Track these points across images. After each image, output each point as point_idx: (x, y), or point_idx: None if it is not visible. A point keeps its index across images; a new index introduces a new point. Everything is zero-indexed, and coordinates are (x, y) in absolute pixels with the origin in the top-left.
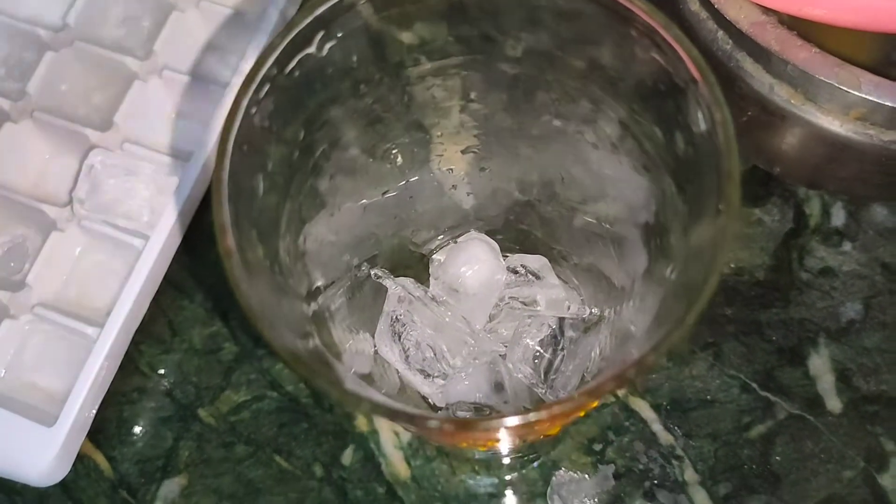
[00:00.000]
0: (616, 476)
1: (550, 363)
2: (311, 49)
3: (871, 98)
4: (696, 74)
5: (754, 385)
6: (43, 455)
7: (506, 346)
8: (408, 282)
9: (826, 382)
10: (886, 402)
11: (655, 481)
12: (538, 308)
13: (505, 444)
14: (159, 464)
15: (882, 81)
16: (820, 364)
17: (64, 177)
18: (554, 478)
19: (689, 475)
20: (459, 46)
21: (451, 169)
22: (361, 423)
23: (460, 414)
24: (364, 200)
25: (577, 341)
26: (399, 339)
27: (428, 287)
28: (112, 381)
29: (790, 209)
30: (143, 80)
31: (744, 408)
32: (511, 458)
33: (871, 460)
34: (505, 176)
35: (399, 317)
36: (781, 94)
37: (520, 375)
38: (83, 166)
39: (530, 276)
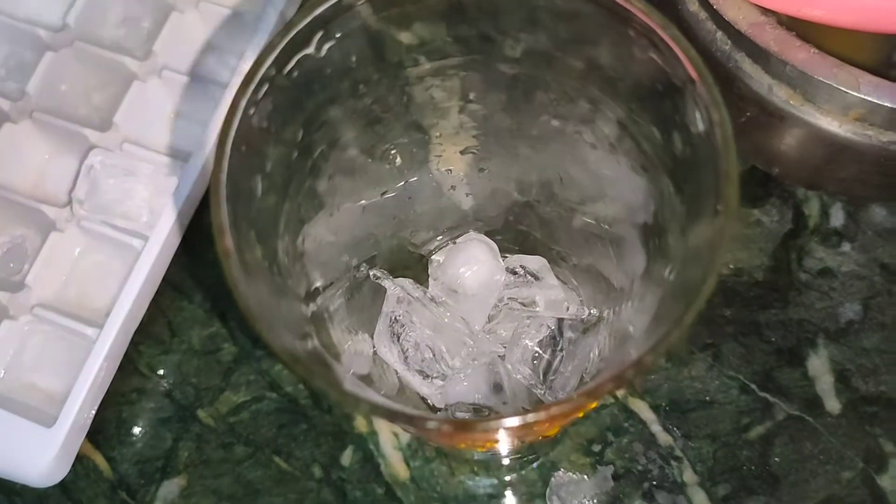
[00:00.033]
0: (615, 477)
1: (549, 364)
2: (310, 49)
3: (869, 99)
4: (693, 75)
5: (753, 386)
6: (42, 455)
7: (505, 347)
8: (407, 282)
9: (825, 383)
10: (885, 403)
11: (654, 482)
12: (537, 309)
13: (504, 444)
14: (158, 464)
15: (881, 82)
16: (819, 365)
17: (63, 177)
18: (553, 479)
19: (688, 476)
20: (458, 47)
21: (450, 169)
22: (360, 424)
23: (459, 415)
24: (363, 201)
25: (576, 342)
26: (398, 340)
27: (427, 288)
28: (111, 382)
29: (789, 210)
30: (143, 80)
31: (743, 409)
32: (510, 459)
33: (870, 461)
34: (504, 176)
35: (398, 317)
36: (780, 95)
37: (519, 376)
38: (82, 167)
39: (529, 277)
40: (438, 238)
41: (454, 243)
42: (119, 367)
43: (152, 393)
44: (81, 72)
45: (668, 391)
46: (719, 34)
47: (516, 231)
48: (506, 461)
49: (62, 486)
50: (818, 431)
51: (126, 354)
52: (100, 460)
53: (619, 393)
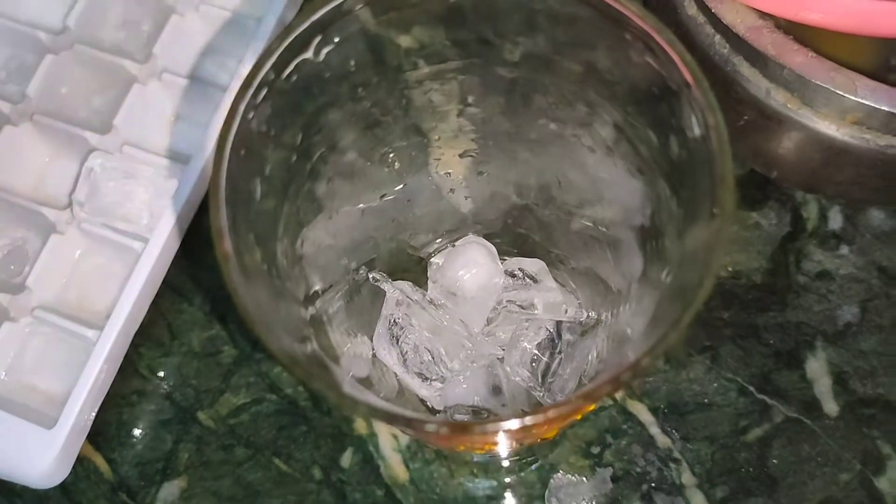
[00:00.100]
0: (614, 479)
1: (548, 366)
2: (309, 54)
3: (867, 102)
4: (689, 79)
5: (751, 388)
6: (43, 457)
7: (503, 350)
8: (406, 285)
9: (823, 385)
10: (883, 406)
11: (653, 484)
12: (536, 311)
13: (503, 447)
14: (159, 466)
15: (878, 86)
16: (817, 367)
17: (63, 180)
18: (552, 480)
19: (687, 478)
20: (457, 50)
21: (449, 173)
22: (360, 425)
23: (458, 417)
24: (362, 204)
25: (574, 344)
26: (397, 343)
27: (426, 290)
28: (111, 384)
29: (787, 213)
30: (143, 83)
31: (741, 411)
32: (509, 461)
33: (868, 463)
34: (502, 180)
35: (397, 320)
36: (778, 99)
37: (517, 379)
38: (83, 169)
39: (528, 280)
40: (437, 241)
41: (453, 246)
42: (119, 369)
43: (152, 395)
44: (82, 74)
45: (667, 393)
46: (717, 38)
47: (515, 234)
48: (505, 463)
49: (62, 487)
50: (816, 433)
51: (126, 356)
52: (100, 462)
53: (618, 395)
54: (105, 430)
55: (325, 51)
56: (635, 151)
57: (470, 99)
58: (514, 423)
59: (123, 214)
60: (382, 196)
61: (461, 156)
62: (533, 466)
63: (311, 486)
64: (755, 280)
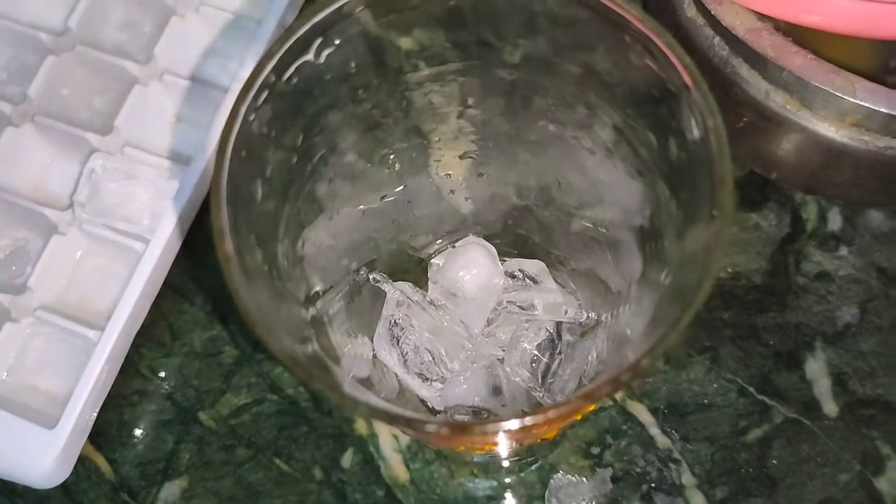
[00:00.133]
0: (614, 479)
1: (548, 367)
2: (310, 56)
3: (866, 104)
4: (688, 81)
5: (751, 389)
6: (44, 457)
7: (504, 350)
8: (406, 286)
9: (822, 386)
10: (882, 406)
11: (653, 484)
12: (536, 312)
13: (503, 447)
14: (160, 466)
15: (877, 88)
16: (816, 368)
17: (65, 180)
18: (552, 481)
19: (687, 478)
20: (457, 52)
21: (450, 174)
22: (361, 426)
23: (458, 417)
24: (362, 205)
25: (574, 345)
26: (397, 343)
27: (426, 291)
28: (113, 384)
29: (787, 214)
30: (144, 84)
31: (741, 411)
32: (509, 462)
33: (867, 464)
34: (502, 181)
35: (397, 321)
36: (777, 100)
37: (517, 379)
38: (84, 170)
39: (528, 281)
40: (438, 242)
41: (453, 247)
42: (120, 369)
43: (153, 395)
44: (83, 76)
45: (667, 394)
46: (717, 39)
47: (515, 235)
48: (505, 463)
49: (64, 487)
50: (816, 434)
51: (127, 357)
52: (101, 462)
53: (618, 396)
54: (106, 430)
55: (325, 53)
56: (635, 153)
57: (470, 101)
58: (514, 424)
59: (125, 215)
60: (383, 197)
61: (461, 157)
62: (533, 467)
63: (312, 487)
64: (755, 281)
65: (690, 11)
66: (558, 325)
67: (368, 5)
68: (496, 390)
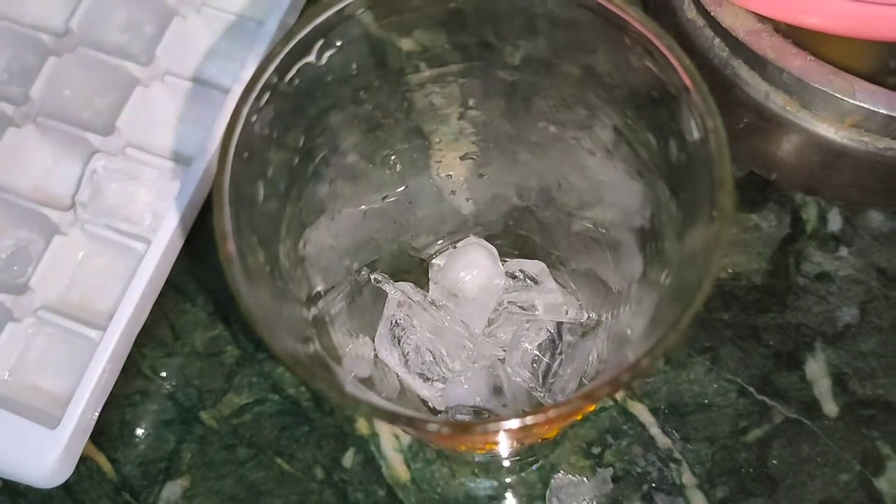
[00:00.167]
0: (614, 479)
1: (549, 367)
2: (311, 57)
3: (865, 105)
4: (688, 83)
5: (751, 389)
6: (46, 457)
7: (504, 351)
8: (407, 286)
9: (822, 386)
10: (882, 406)
11: (653, 484)
12: (536, 313)
13: (504, 447)
14: (161, 466)
15: (876, 89)
16: (816, 368)
17: (67, 181)
18: (553, 481)
19: (687, 478)
20: (458, 54)
21: (450, 175)
22: (362, 426)
23: (459, 417)
24: (364, 206)
25: (574, 345)
26: (399, 343)
27: (427, 292)
28: (114, 384)
29: (787, 215)
30: (146, 85)
31: (741, 412)
32: (510, 462)
33: (867, 464)
34: (503, 182)
35: (399, 321)
36: (777, 102)
37: (518, 379)
38: (86, 171)
39: (529, 281)
40: (439, 242)
41: (454, 248)
42: (122, 369)
43: (155, 395)
44: (84, 77)
45: (667, 394)
46: (717, 41)
47: (516, 235)
48: (506, 463)
49: (66, 487)
50: (816, 434)
51: (129, 357)
52: (103, 462)
53: (619, 396)
54: (108, 429)
55: (327, 54)
56: (635, 154)
57: (471, 102)
58: (515, 423)
59: (126, 216)
60: (384, 198)
61: (462, 158)
62: (534, 467)
63: (314, 486)
64: (755, 281)
65: (690, 13)
66: (559, 325)
67: (370, 7)
68: (497, 390)
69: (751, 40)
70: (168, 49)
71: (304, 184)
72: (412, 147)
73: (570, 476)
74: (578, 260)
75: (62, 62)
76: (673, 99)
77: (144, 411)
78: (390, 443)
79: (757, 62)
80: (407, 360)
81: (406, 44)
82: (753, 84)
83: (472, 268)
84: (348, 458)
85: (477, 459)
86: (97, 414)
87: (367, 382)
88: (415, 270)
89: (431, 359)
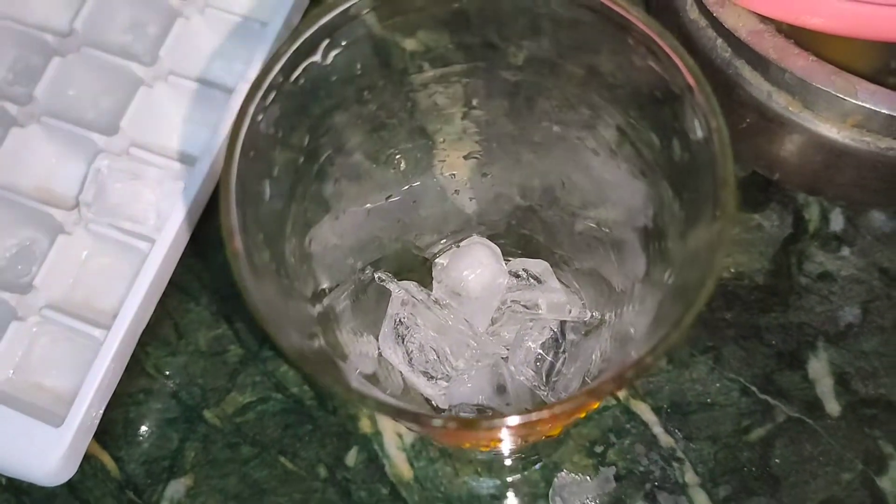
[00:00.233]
0: (617, 478)
1: (552, 366)
2: (316, 57)
3: (867, 105)
4: (691, 83)
5: (754, 388)
6: (50, 455)
7: (508, 349)
8: (411, 285)
9: (825, 386)
10: (884, 406)
11: (656, 483)
12: (540, 311)
13: (507, 444)
14: (165, 464)
15: (878, 89)
16: (819, 368)
17: (71, 180)
18: (556, 479)
19: (690, 477)
20: (462, 54)
21: (454, 174)
22: (365, 424)
23: (463, 415)
24: (368, 205)
25: (578, 344)
26: (402, 342)
27: (431, 290)
28: (118, 383)
29: (789, 214)
30: (150, 85)
31: (743, 411)
32: (513, 460)
33: (870, 463)
34: (506, 181)
35: (402, 319)
36: (780, 102)
37: (522, 378)
38: (90, 170)
39: (532, 280)
40: (442, 241)
41: (458, 247)
42: (126, 368)
43: (159, 394)
44: (89, 77)
45: (670, 393)
46: (719, 41)
47: (519, 235)
48: (509, 462)
49: (70, 485)
50: (818, 433)
51: (133, 355)
52: (107, 460)
53: (621, 395)
54: (112, 428)
55: (332, 54)
56: (638, 154)
57: (474, 102)
58: (518, 420)
59: (130, 215)
60: (388, 197)
61: (466, 158)
62: (537, 465)
63: (317, 485)
64: (757, 281)
65: (693, 14)
66: (562, 324)
67: (374, 7)
68: (500, 389)
69: (753, 41)
70: (172, 50)
71: (309, 183)
72: (416, 147)
73: (573, 475)
74: (581, 259)
75: (66, 62)
76: (676, 99)
77: (148, 410)
78: (393, 441)
79: (759, 62)
80: (411, 359)
81: (410, 44)
82: (756, 84)
83: (476, 267)
84: (351, 457)
85: (480, 458)
86: (101, 412)
87: (372, 380)
88: (418, 269)
89: (435, 357)
